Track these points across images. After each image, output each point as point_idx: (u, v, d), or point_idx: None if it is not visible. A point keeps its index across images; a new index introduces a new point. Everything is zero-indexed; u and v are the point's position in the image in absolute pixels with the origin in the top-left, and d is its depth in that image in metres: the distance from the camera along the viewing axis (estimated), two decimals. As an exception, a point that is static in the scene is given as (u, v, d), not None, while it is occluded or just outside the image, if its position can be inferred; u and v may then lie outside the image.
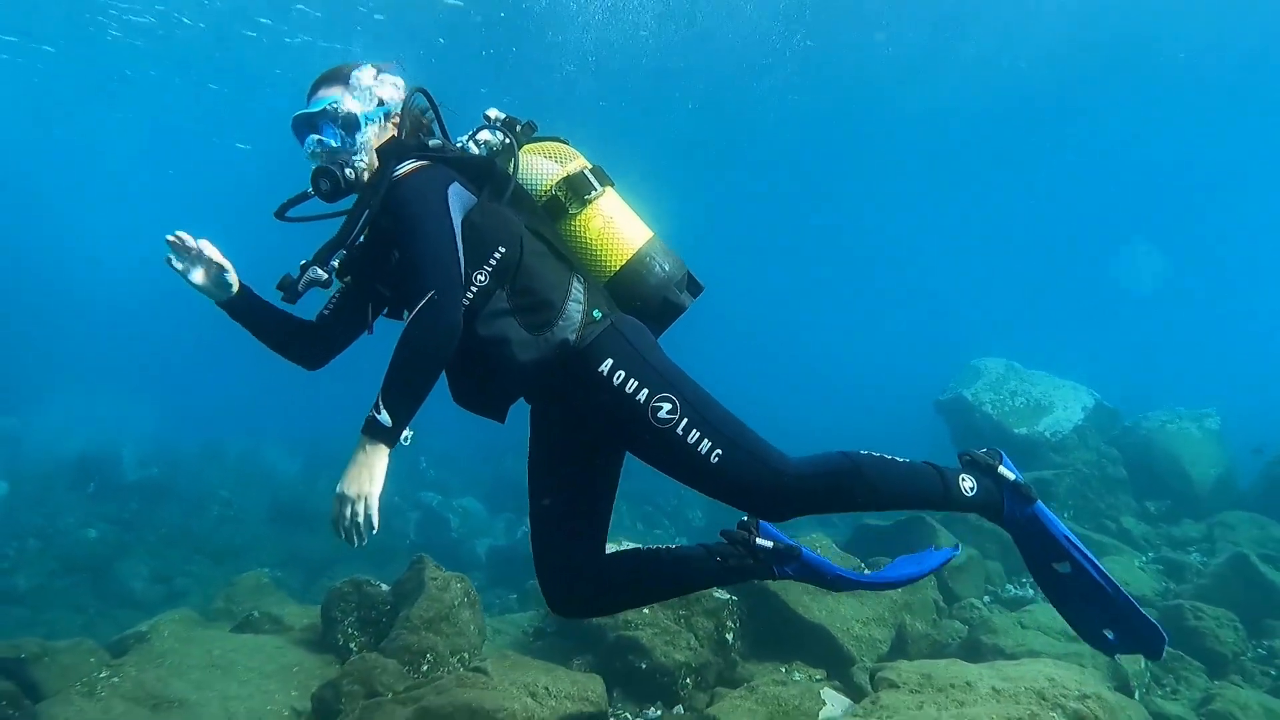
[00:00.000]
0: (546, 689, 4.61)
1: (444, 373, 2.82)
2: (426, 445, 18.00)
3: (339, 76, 3.00)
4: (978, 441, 12.09)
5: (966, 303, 45.90)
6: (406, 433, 2.86)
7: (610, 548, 3.13)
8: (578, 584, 3.02)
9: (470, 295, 2.71)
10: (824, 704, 4.78)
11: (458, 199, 2.79)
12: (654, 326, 3.14)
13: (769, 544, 3.05)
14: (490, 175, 2.94)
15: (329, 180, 2.90)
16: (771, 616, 6.16)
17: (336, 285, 3.01)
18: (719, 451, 2.72)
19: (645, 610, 5.83)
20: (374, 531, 2.48)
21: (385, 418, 2.47)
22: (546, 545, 3.02)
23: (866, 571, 3.25)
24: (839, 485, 2.79)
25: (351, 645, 5.30)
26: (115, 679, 4.53)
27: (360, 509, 2.43)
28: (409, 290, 2.58)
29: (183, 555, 11.82)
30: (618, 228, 3.05)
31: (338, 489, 2.46)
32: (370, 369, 2.92)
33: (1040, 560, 3.07)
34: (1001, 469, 3.06)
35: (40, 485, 13.41)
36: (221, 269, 3.04)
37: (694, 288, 3.24)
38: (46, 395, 20.82)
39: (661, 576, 3.06)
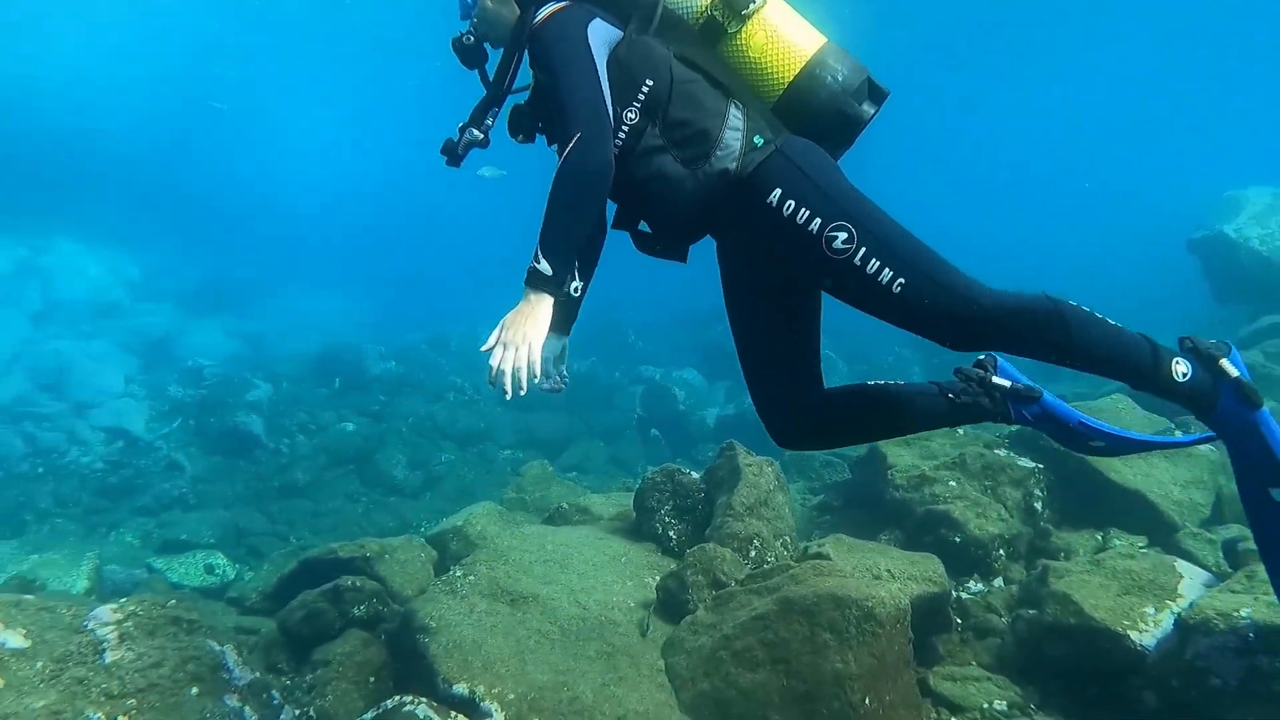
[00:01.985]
0: (889, 571, 4.57)
1: (624, 224, 2.83)
2: (631, 319, 18.21)
3: None
4: (1241, 283, 11.20)
5: (1218, 127, 40.56)
6: (575, 284, 2.96)
7: None
8: (799, 416, 2.90)
9: (622, 135, 2.62)
10: (1180, 576, 4.53)
11: (600, 36, 2.66)
12: (836, 146, 2.88)
13: (1006, 383, 2.81)
14: (636, 6, 2.78)
15: (456, 51, 2.96)
16: (1081, 482, 5.91)
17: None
18: (901, 280, 2.49)
19: (952, 483, 5.70)
20: (534, 380, 2.43)
21: (545, 266, 2.45)
22: (759, 379, 2.93)
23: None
24: (1034, 326, 2.50)
25: (670, 534, 5.40)
26: (471, 577, 4.76)
27: (523, 354, 2.40)
28: (561, 137, 2.52)
29: (431, 442, 12.48)
30: (783, 39, 2.76)
31: (498, 336, 2.43)
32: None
33: (1253, 480, 2.62)
34: (1224, 362, 2.62)
35: (293, 384, 14.33)
36: (561, 338, 3.23)
37: (877, 94, 2.88)
38: (271, 301, 22.23)
39: (889, 412, 2.87)
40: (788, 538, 5.24)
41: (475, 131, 2.90)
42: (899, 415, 2.88)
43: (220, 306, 19.40)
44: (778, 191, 2.58)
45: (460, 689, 3.98)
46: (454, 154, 2.95)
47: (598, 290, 3.42)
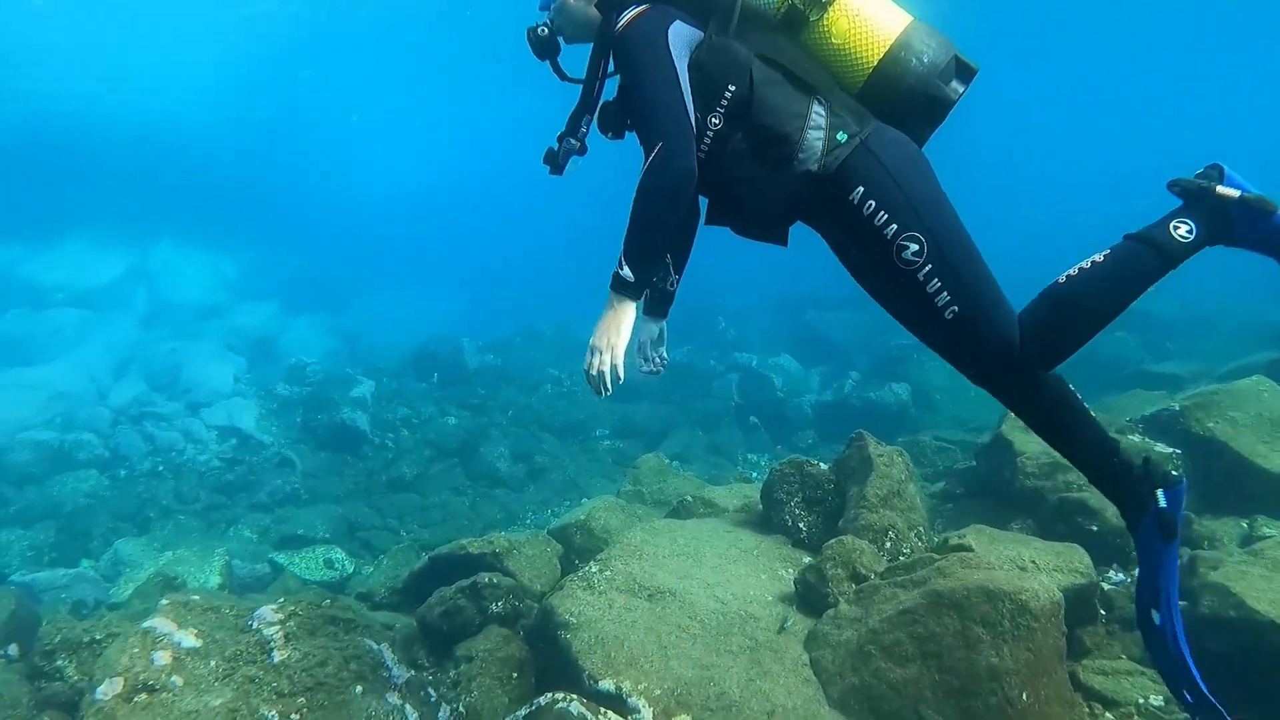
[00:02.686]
0: (1034, 562, 4.47)
1: (721, 213, 2.87)
2: (721, 305, 18.13)
3: None
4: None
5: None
6: (672, 277, 3.06)
7: None
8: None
9: (707, 140, 2.63)
10: (1346, 565, 4.36)
11: (681, 39, 2.67)
12: (923, 129, 2.83)
13: (1163, 504, 2.67)
14: (715, 4, 2.77)
15: (530, 41, 3.05)
16: (1223, 468, 5.72)
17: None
18: (955, 308, 2.51)
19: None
20: (620, 382, 2.61)
21: (628, 272, 2.57)
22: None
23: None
24: (1060, 335, 2.55)
25: (801, 525, 5.36)
26: (607, 573, 4.79)
27: (608, 359, 2.58)
28: (644, 145, 2.57)
29: (531, 434, 12.60)
30: (866, 23, 2.72)
31: (590, 341, 2.60)
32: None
33: None
34: (1221, 190, 2.63)
35: (394, 379, 14.62)
36: (658, 321, 3.40)
37: (965, 72, 2.80)
38: (362, 297, 22.73)
39: (1070, 423, 2.69)
40: (921, 529, 5.17)
41: (572, 141, 2.98)
42: (1072, 434, 2.72)
43: (316, 304, 19.91)
44: (860, 190, 2.59)
45: (606, 685, 4.00)
46: (555, 163, 3.03)
47: (689, 280, 3.47)
